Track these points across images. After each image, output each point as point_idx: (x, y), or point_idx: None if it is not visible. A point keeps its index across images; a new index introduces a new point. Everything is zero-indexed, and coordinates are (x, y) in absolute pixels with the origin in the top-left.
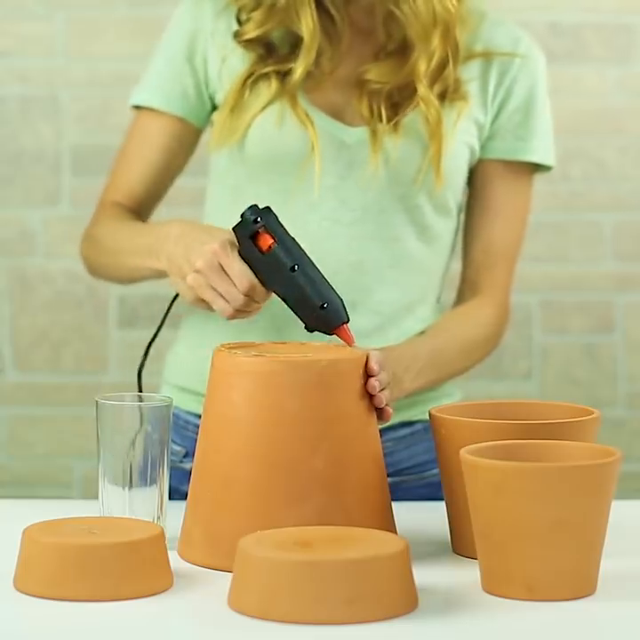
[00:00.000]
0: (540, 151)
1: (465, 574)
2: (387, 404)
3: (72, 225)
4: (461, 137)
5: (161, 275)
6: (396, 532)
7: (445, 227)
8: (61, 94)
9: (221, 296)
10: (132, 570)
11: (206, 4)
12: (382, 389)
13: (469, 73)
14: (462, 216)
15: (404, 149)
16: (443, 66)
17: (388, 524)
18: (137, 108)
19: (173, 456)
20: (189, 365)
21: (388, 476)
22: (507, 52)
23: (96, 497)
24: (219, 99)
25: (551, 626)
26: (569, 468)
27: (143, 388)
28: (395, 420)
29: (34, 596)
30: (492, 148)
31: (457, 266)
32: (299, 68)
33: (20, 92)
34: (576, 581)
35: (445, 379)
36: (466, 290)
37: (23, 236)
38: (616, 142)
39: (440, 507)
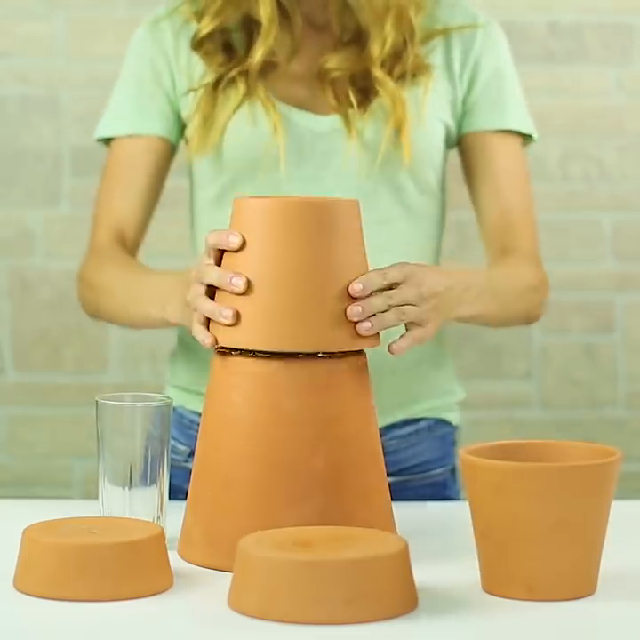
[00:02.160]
0: (517, 119)
1: (465, 574)
2: (416, 324)
3: (72, 225)
4: (434, 113)
5: (169, 324)
6: (396, 532)
7: (430, 206)
8: (61, 94)
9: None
10: (132, 570)
11: (164, 24)
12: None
13: (432, 52)
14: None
15: (375, 130)
16: (399, 48)
17: (388, 524)
18: (109, 140)
19: (178, 455)
20: (192, 365)
21: (393, 475)
22: (465, 25)
23: (96, 497)
24: (186, 115)
25: (551, 626)
26: (569, 467)
27: (147, 389)
28: (398, 417)
29: (34, 595)
30: (471, 122)
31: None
32: (257, 52)
33: (20, 91)
34: (576, 581)
35: (502, 316)
36: (496, 260)
37: (23, 235)
38: (616, 142)
39: (440, 507)
